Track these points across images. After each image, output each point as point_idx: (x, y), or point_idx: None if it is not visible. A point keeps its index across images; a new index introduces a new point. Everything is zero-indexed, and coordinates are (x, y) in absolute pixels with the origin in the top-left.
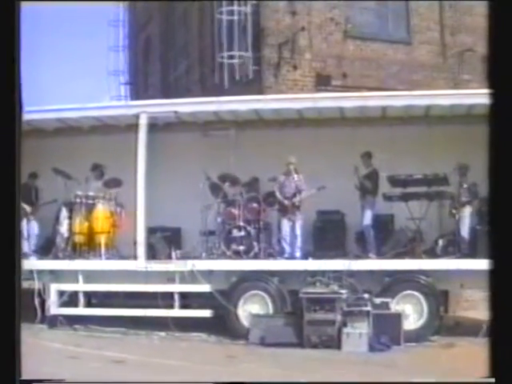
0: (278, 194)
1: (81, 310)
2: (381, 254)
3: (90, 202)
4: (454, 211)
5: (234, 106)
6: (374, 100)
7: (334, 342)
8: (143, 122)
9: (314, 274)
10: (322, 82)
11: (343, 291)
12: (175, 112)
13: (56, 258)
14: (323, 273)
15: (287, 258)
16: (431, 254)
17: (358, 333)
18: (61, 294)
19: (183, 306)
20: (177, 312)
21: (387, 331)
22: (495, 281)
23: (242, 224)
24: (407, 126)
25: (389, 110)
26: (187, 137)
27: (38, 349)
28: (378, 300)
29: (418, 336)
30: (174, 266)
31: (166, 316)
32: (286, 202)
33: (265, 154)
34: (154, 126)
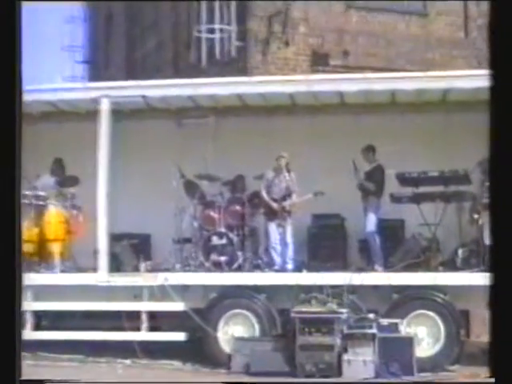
0: (264, 195)
1: (28, 334)
2: (388, 267)
3: (41, 203)
4: (476, 216)
5: (213, 90)
6: (381, 83)
7: (333, 371)
8: (105, 107)
9: (308, 289)
10: (319, 62)
11: (343, 310)
12: (143, 96)
13: None
14: (320, 288)
15: (277, 271)
16: (449, 266)
17: (361, 360)
18: None
19: (152, 328)
20: (145, 335)
21: (397, 358)
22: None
23: (223, 230)
24: (420, 113)
25: (398, 94)
26: (158, 126)
27: None
28: (385, 321)
29: (434, 364)
30: (142, 279)
31: (132, 340)
32: (275, 205)
33: (250, 146)
34: (118, 113)
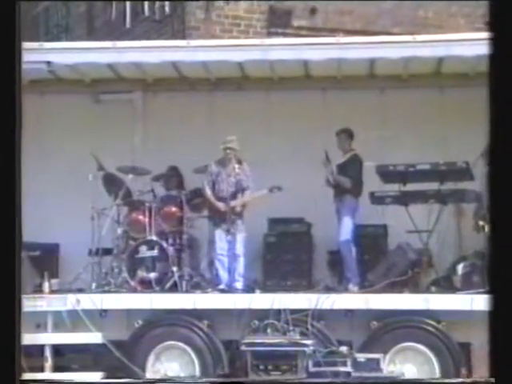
0: (208, 193)
1: None
2: (366, 286)
3: None
4: (480, 222)
5: (140, 57)
6: (358, 50)
7: None
8: None
9: (263, 315)
10: (278, 22)
11: (308, 342)
12: (47, 63)
13: None
14: (278, 313)
15: (223, 291)
16: (445, 286)
17: None
18: None
19: (60, 367)
20: (50, 376)
21: None
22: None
23: (154, 238)
24: (408, 89)
25: (380, 64)
26: (68, 102)
27: None
28: (362, 356)
29: None
30: (47, 303)
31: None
32: (221, 206)
33: (188, 130)
34: None
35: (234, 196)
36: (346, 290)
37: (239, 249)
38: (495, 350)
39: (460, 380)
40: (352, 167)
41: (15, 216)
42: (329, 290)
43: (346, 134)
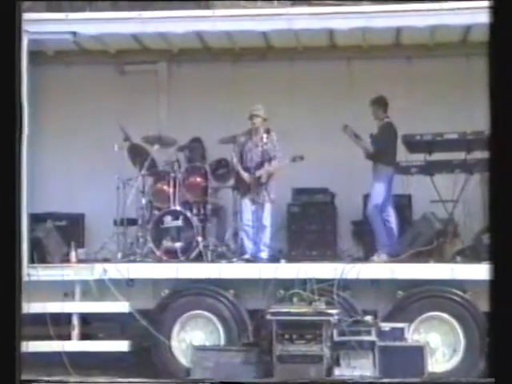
0: (236, 164)
1: None
2: (392, 256)
3: None
4: None
5: (164, 27)
6: (383, 18)
7: None
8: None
9: (288, 284)
10: None
11: (334, 311)
12: (73, 33)
13: None
14: (303, 283)
15: (248, 261)
16: (470, 255)
17: (357, 375)
18: None
19: (86, 336)
20: (77, 344)
21: (403, 373)
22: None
23: (178, 208)
24: (434, 58)
25: (406, 34)
26: (93, 73)
27: None
28: (387, 325)
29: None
30: (74, 272)
31: (61, 351)
32: (246, 176)
33: (213, 101)
34: (39, 55)
35: (260, 166)
36: (372, 260)
37: (266, 219)
38: (495, 350)
39: (460, 380)
40: (383, 136)
41: (15, 192)
42: (354, 260)
43: (379, 104)
